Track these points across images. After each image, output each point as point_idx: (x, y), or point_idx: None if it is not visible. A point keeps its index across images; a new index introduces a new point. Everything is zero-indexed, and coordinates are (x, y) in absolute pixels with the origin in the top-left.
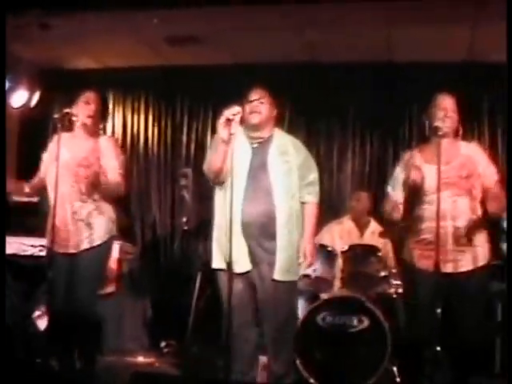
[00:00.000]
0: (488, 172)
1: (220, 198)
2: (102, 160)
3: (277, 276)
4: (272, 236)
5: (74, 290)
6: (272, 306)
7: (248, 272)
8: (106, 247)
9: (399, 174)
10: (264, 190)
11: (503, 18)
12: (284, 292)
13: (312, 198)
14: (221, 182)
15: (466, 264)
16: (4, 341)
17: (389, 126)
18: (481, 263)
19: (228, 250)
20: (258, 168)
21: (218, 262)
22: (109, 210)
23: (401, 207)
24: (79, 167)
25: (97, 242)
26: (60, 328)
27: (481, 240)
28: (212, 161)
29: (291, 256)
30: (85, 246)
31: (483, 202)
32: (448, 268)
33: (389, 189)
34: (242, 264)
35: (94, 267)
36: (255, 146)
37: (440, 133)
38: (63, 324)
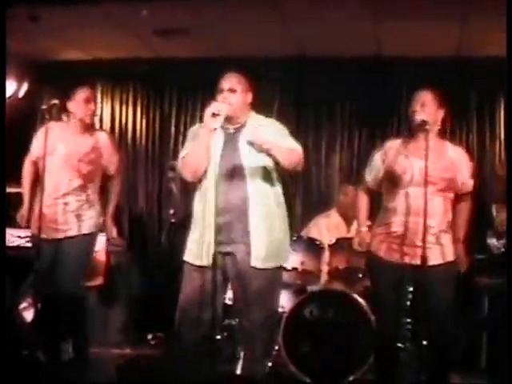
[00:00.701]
0: (465, 181)
1: (198, 189)
2: (103, 157)
3: (254, 263)
4: (245, 222)
5: (58, 276)
6: (249, 298)
7: (216, 265)
8: (92, 238)
9: (378, 159)
10: (237, 174)
11: (493, 13)
12: (263, 281)
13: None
14: (199, 176)
15: (434, 258)
16: (4, 336)
17: (377, 120)
18: (449, 258)
19: (197, 241)
20: (231, 154)
21: (186, 255)
22: (98, 204)
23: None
24: (80, 162)
25: (84, 232)
26: (47, 316)
27: (447, 240)
28: (193, 154)
29: (270, 242)
30: (72, 232)
31: (453, 207)
32: (416, 261)
33: (365, 172)
34: (207, 256)
35: (79, 253)
36: (229, 131)
37: (426, 127)
38: (49, 311)
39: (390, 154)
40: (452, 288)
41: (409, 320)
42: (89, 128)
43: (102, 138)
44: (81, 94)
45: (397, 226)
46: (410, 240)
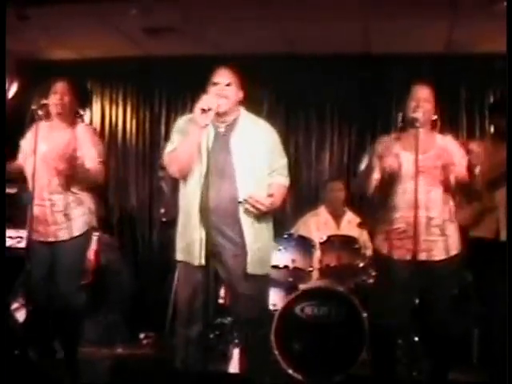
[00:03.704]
0: (462, 162)
1: (184, 186)
2: (79, 150)
3: (250, 269)
4: (235, 224)
5: (53, 281)
6: (243, 300)
7: (207, 265)
8: (84, 238)
9: (372, 159)
10: (227, 175)
11: (483, 10)
12: (256, 285)
13: (283, 179)
14: (186, 173)
15: (438, 253)
16: (4, 338)
17: (366, 117)
18: (453, 252)
19: (187, 241)
20: (222, 153)
21: (178, 254)
22: (88, 201)
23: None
24: (56, 161)
25: (76, 233)
26: (39, 319)
27: (451, 230)
28: (182, 151)
29: (260, 248)
30: (64, 236)
31: (455, 192)
32: (421, 257)
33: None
34: (199, 256)
35: (73, 259)
36: (220, 129)
37: (417, 124)
38: (42, 315)
39: (382, 152)
40: (454, 283)
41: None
42: (70, 123)
43: (80, 130)
44: (55, 87)
45: (398, 223)
46: (412, 235)
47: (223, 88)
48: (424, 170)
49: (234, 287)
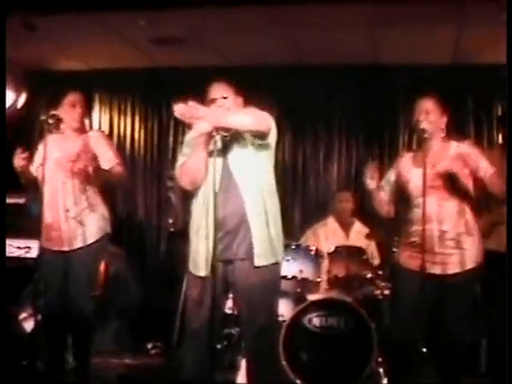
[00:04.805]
0: (483, 165)
1: (195, 199)
2: (95, 152)
3: (256, 262)
4: (246, 228)
5: (67, 289)
6: (249, 303)
7: (213, 275)
8: (99, 245)
9: (391, 175)
10: (233, 187)
11: (489, 20)
12: (263, 282)
13: None
14: (198, 185)
15: (453, 267)
16: (4, 343)
17: (374, 127)
18: (469, 266)
19: (194, 251)
20: (227, 164)
21: (190, 265)
22: (101, 207)
23: (387, 206)
24: (71, 162)
25: (90, 241)
26: (52, 328)
27: (469, 243)
28: (191, 162)
29: (265, 239)
30: (78, 244)
31: (474, 201)
32: (436, 270)
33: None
34: (206, 267)
35: (87, 266)
36: (227, 139)
37: (426, 135)
38: (55, 324)
39: (401, 168)
40: (470, 297)
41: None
42: (80, 132)
43: (93, 135)
44: (67, 99)
45: (414, 236)
46: (428, 248)
47: (221, 102)
48: (433, 183)
49: (241, 288)
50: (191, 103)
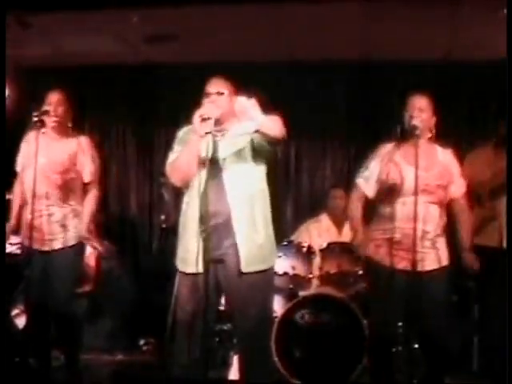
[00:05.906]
0: (458, 183)
1: (186, 196)
2: (78, 164)
3: (244, 268)
4: (230, 231)
5: (48, 289)
6: (241, 303)
7: (205, 272)
8: (79, 248)
9: (374, 167)
10: (220, 186)
11: (484, 17)
12: (254, 285)
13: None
14: (188, 182)
15: (431, 263)
16: (4, 342)
17: (368, 124)
18: (444, 263)
19: (185, 248)
20: (217, 162)
21: (178, 262)
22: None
23: (364, 200)
24: (56, 174)
25: (71, 243)
26: (39, 323)
27: (441, 243)
28: (183, 160)
29: (255, 245)
30: (58, 245)
31: (448, 210)
32: (414, 267)
33: (360, 181)
34: (196, 264)
35: (67, 267)
36: (216, 138)
37: (417, 132)
38: (40, 322)
39: (384, 161)
40: (447, 292)
41: (401, 324)
42: (67, 133)
43: (80, 144)
44: (51, 98)
45: (394, 233)
46: (407, 246)
47: (215, 98)
48: (427, 187)
49: (232, 290)
50: (253, 100)
